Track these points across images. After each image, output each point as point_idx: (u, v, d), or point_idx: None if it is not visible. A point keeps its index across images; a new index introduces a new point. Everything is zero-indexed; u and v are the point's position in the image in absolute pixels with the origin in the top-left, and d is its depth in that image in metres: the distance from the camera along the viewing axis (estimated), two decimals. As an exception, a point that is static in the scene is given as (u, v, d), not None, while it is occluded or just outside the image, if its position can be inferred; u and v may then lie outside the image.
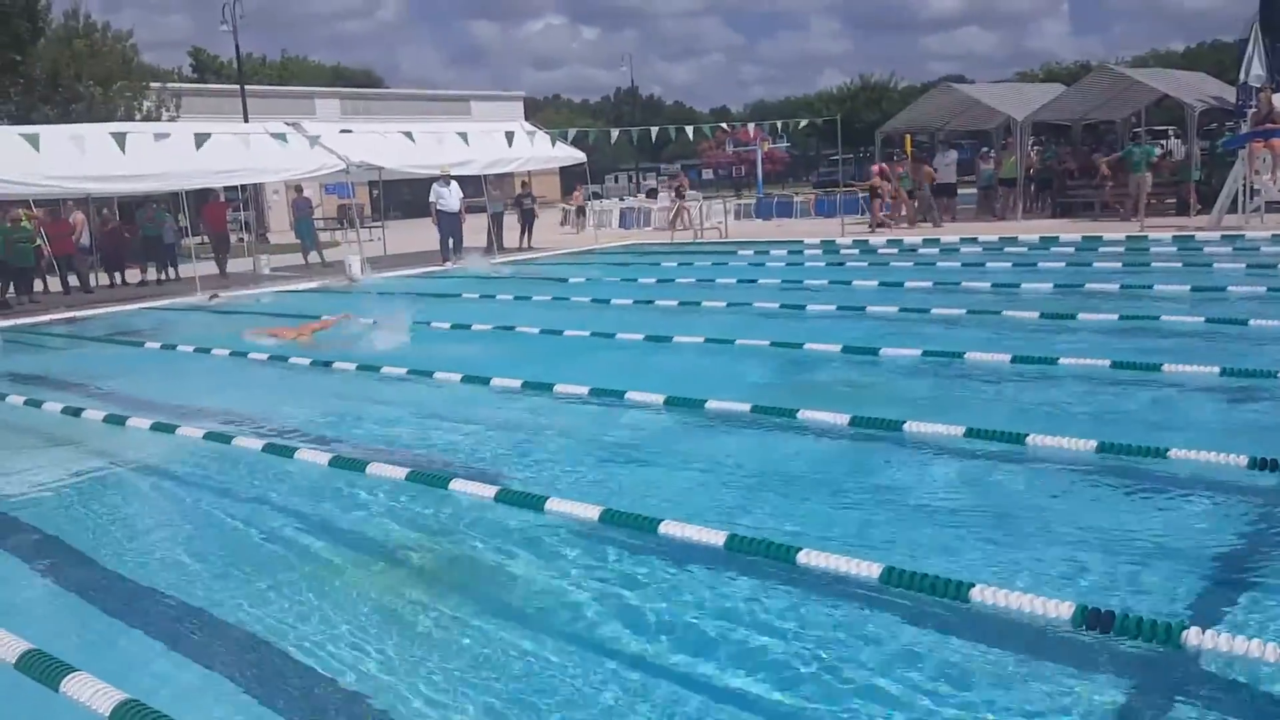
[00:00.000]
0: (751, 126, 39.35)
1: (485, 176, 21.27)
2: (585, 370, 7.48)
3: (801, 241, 18.27)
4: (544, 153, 22.14)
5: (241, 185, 22.02)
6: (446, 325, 10.52)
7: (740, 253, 17.09)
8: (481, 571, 4.19)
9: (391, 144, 18.75)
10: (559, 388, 6.92)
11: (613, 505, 4.20)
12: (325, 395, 7.94)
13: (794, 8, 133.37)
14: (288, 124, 18.29)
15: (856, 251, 16.34)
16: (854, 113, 50.96)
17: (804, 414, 5.62)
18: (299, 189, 22.21)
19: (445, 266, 18.40)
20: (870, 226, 21.04)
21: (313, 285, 16.61)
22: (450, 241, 19.30)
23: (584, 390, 6.76)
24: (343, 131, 18.47)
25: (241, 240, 24.50)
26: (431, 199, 19.31)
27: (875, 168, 22.28)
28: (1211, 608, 3.45)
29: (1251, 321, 7.67)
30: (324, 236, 24.76)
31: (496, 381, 7.17)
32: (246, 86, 36.06)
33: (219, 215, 21.03)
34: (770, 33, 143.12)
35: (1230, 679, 2.98)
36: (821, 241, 18.20)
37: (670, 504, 4.70)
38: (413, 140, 18.66)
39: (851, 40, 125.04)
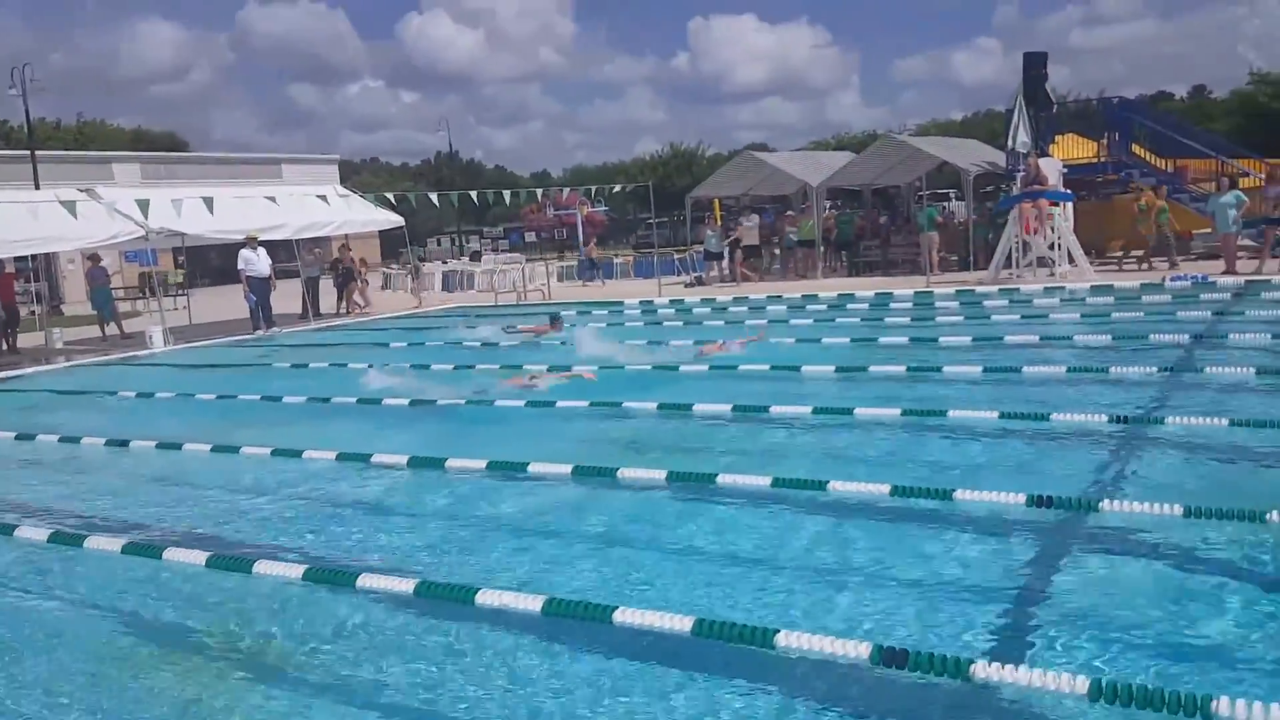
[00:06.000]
0: (568, 191, 39.99)
1: (298, 241, 20.72)
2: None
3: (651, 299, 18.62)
4: (361, 216, 21.79)
5: (31, 255, 20.65)
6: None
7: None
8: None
9: (194, 209, 18.01)
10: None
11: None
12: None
13: (611, 78, 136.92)
14: (81, 190, 17.33)
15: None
16: (666, 178, 52.63)
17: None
18: (94, 257, 21.01)
19: (258, 334, 17.75)
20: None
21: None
22: (260, 310, 18.70)
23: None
24: (137, 200, 17.55)
25: (33, 313, 22.87)
26: (240, 265, 18.67)
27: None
28: (1005, 641, 3.73)
29: (1025, 368, 8.35)
30: (124, 307, 23.45)
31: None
32: (39, 152, 33.99)
33: (6, 287, 19.58)
34: (588, 100, 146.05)
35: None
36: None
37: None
38: (212, 207, 17.97)
39: (666, 110, 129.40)
